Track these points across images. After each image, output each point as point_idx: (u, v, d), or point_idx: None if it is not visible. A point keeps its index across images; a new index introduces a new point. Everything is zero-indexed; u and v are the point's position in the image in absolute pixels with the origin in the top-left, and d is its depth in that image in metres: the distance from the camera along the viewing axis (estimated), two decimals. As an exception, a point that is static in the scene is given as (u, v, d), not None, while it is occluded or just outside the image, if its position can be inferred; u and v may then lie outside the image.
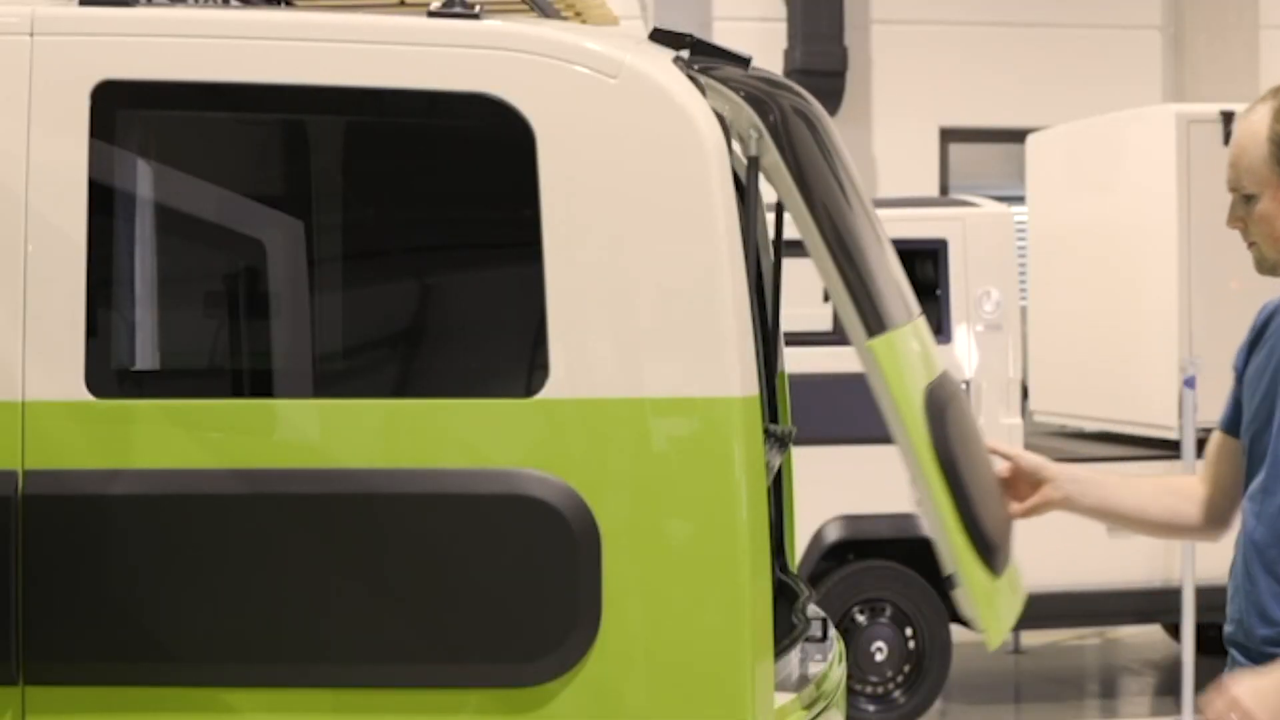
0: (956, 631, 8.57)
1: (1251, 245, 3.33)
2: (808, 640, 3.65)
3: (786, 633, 3.58)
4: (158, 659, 3.23)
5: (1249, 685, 3.06)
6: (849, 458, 8.18)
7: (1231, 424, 3.44)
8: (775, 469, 3.48)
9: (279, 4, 3.80)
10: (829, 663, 3.69)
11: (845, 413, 8.16)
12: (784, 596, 3.85)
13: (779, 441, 3.56)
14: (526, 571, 3.18)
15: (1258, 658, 3.20)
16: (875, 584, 8.29)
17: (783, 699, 3.38)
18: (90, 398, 3.24)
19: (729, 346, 3.18)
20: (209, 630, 3.22)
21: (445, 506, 3.20)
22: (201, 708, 3.24)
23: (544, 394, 3.20)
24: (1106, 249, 9.08)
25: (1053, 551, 8.31)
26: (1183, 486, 3.58)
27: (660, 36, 3.50)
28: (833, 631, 3.85)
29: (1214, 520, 3.50)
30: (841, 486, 8.14)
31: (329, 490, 3.22)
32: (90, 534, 3.21)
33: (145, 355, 3.48)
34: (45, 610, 3.21)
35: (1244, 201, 3.31)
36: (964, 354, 8.37)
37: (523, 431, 3.20)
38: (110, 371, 3.32)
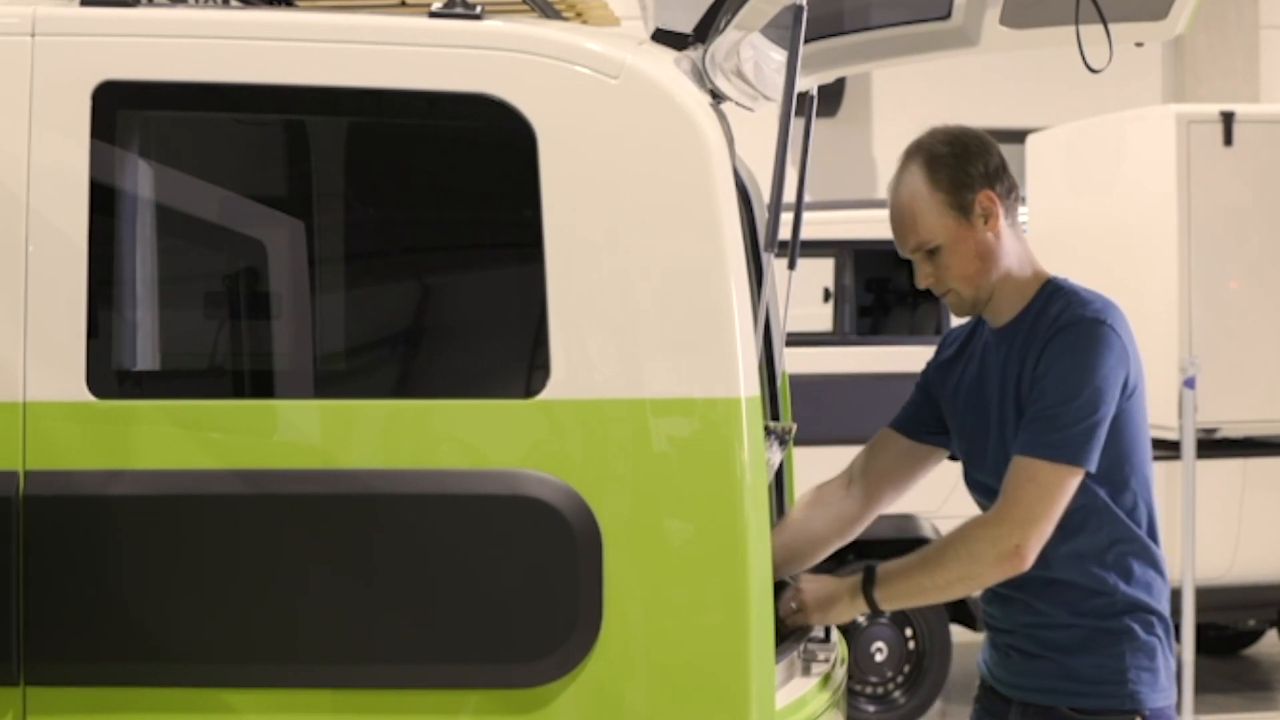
0: (956, 632, 8.58)
1: (947, 294, 3.61)
2: (810, 640, 3.66)
3: (788, 633, 3.58)
4: (159, 659, 3.23)
5: (811, 576, 3.62)
6: (848, 458, 8.18)
7: (906, 424, 3.78)
8: (776, 467, 3.49)
9: (280, 4, 3.80)
10: (832, 663, 3.70)
11: (845, 413, 8.17)
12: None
13: (779, 439, 3.56)
14: (527, 572, 3.18)
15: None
16: (875, 584, 8.29)
17: (786, 699, 3.38)
18: (91, 398, 3.23)
19: (731, 347, 3.18)
20: (210, 631, 3.22)
21: (446, 507, 3.20)
22: (202, 708, 3.24)
23: (545, 394, 3.20)
24: (1106, 249, 9.09)
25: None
26: (823, 492, 3.85)
27: (663, 37, 3.49)
28: (835, 632, 3.85)
29: (874, 506, 3.81)
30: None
31: (330, 491, 3.22)
32: (91, 534, 3.21)
33: (146, 356, 3.48)
34: (47, 611, 3.21)
35: (929, 258, 3.57)
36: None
37: (523, 432, 3.20)
38: (111, 372, 3.32)
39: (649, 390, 3.20)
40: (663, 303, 3.20)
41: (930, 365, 3.78)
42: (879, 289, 9.25)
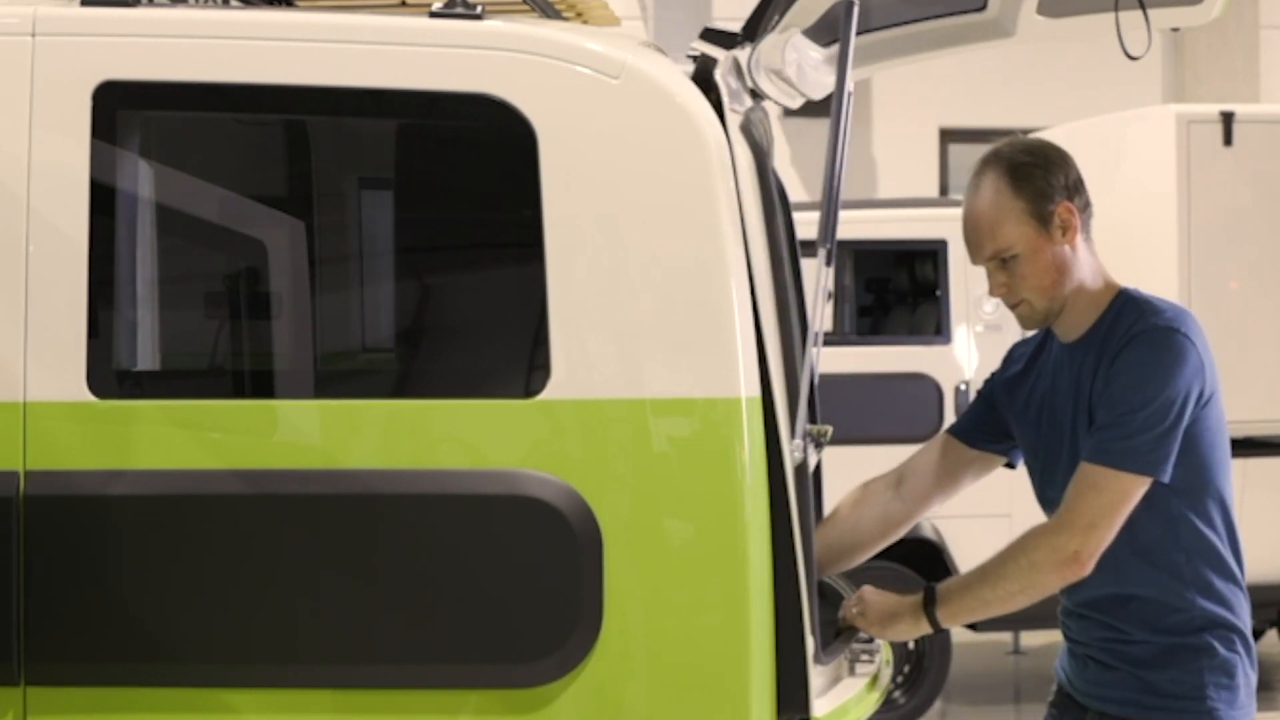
0: (956, 632, 8.56)
1: (1019, 304, 3.53)
2: (857, 642, 3.64)
3: (833, 635, 3.57)
4: (159, 659, 3.23)
5: (875, 590, 3.58)
6: (849, 458, 8.18)
7: (965, 431, 3.74)
8: (812, 468, 3.43)
9: (280, 4, 3.80)
10: (879, 664, 3.68)
11: (845, 413, 8.17)
12: (826, 599, 3.83)
13: (815, 442, 3.54)
14: (528, 572, 3.18)
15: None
16: (875, 584, 8.28)
17: (836, 701, 3.37)
18: (92, 398, 3.24)
19: (731, 347, 3.18)
20: (210, 631, 3.22)
21: (446, 507, 3.20)
22: (202, 708, 3.24)
23: (545, 394, 3.20)
24: (1106, 249, 9.07)
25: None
26: (870, 492, 3.81)
27: (712, 36, 3.46)
28: None
29: (921, 509, 3.79)
30: (842, 487, 8.12)
31: (330, 491, 3.22)
32: (92, 534, 3.21)
33: (146, 356, 3.48)
34: (47, 611, 3.21)
35: (1003, 267, 3.51)
36: (964, 354, 8.38)
37: (524, 432, 3.20)
38: (111, 372, 3.32)
39: (649, 390, 3.20)
40: (663, 303, 3.20)
41: (996, 378, 3.74)
42: (879, 289, 9.25)
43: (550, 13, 3.88)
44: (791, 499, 3.22)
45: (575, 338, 3.20)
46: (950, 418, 8.25)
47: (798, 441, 3.30)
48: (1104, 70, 13.92)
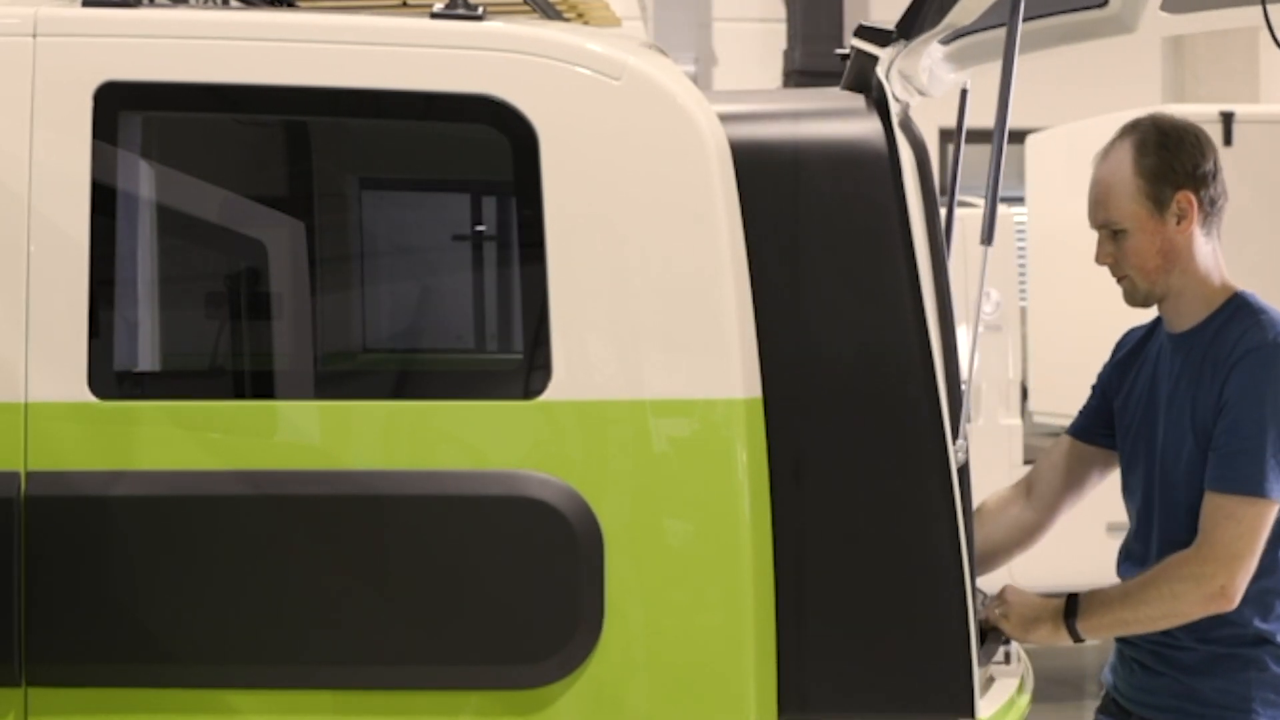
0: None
1: (1123, 279, 3.53)
2: (1004, 644, 3.62)
3: (982, 639, 3.53)
4: (160, 660, 3.23)
5: (1018, 590, 3.53)
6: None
7: (1080, 429, 3.70)
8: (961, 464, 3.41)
9: (281, 5, 3.80)
10: (1023, 667, 3.66)
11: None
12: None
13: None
14: (529, 573, 3.18)
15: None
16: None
17: (997, 701, 3.36)
18: (93, 399, 3.24)
19: (731, 348, 3.19)
20: (211, 632, 3.22)
21: (447, 508, 3.20)
22: (203, 709, 3.24)
23: (546, 395, 3.20)
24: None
25: (1051, 550, 8.32)
26: (1002, 501, 3.80)
27: (867, 34, 3.44)
28: None
29: (1053, 513, 3.76)
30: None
31: (330, 492, 3.22)
32: (92, 535, 3.21)
33: (147, 356, 3.48)
34: (48, 612, 3.21)
35: (1113, 237, 3.50)
36: (963, 355, 8.37)
37: (525, 433, 3.20)
38: (112, 372, 3.32)
39: (649, 391, 3.20)
40: (663, 303, 3.20)
41: (1106, 365, 3.71)
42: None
43: (551, 13, 3.88)
44: (957, 501, 3.20)
45: (576, 338, 3.20)
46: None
47: (962, 442, 3.29)
48: (1104, 70, 13.91)
